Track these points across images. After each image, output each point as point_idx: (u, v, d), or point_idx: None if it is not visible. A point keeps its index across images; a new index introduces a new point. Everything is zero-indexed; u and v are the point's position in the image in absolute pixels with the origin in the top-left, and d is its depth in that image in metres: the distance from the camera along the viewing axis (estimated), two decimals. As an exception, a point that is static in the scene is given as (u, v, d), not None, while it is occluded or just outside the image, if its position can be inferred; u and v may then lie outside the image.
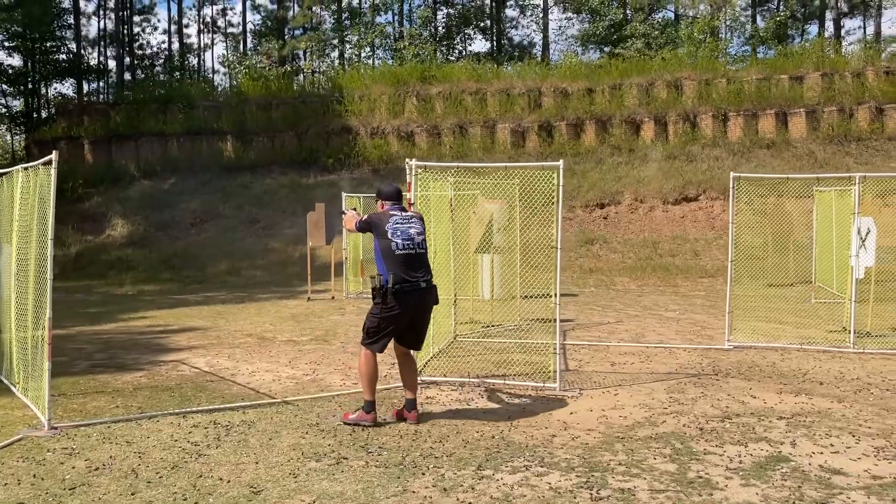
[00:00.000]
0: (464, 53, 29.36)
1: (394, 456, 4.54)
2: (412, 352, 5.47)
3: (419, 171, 6.55)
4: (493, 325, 9.76)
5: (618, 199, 21.58)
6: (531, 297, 13.30)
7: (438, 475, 4.18)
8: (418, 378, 5.74)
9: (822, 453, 4.60)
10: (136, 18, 31.33)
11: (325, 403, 5.84)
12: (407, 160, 6.56)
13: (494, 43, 30.84)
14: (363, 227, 5.39)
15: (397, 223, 5.28)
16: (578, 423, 5.26)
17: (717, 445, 4.74)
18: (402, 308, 5.15)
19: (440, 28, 28.75)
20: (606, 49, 28.68)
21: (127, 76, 30.43)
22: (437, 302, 5.44)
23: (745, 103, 23.31)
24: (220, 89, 27.86)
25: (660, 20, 27.94)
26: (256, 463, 4.41)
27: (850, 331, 8.19)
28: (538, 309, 11.42)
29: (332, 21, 27.93)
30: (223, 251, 19.33)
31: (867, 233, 8.94)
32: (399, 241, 5.20)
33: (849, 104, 22.59)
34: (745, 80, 23.95)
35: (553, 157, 23.59)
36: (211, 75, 32.00)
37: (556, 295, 6.30)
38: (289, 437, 4.94)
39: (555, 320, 6.38)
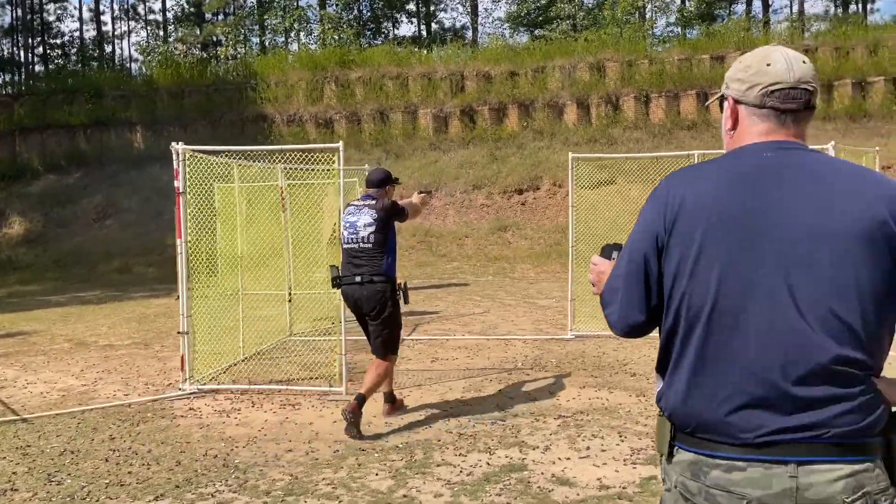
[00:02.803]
0: (391, 38, 28.66)
1: (73, 484, 3.97)
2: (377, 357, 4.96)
3: (188, 156, 5.94)
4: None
5: (536, 184, 21.17)
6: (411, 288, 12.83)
7: (105, 506, 3.63)
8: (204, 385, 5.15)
9: (569, 459, 4.14)
10: (51, 7, 30.00)
11: (67, 420, 5.24)
12: (173, 144, 5.95)
13: (423, 27, 30.16)
14: None
15: (349, 214, 5.01)
16: (332, 434, 4.75)
17: (461, 454, 4.26)
18: (349, 305, 5.03)
19: (365, 12, 28.02)
20: (534, 31, 28.21)
21: (40, 67, 29.15)
22: (380, 302, 4.85)
23: (668, 84, 23.04)
24: (136, 78, 26.76)
25: (587, 1, 27.55)
26: None
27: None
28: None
29: (251, 5, 26.99)
30: (121, 248, 18.50)
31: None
32: (345, 234, 4.99)
33: (768, 83, 22.45)
34: (668, 61, 23.67)
35: (475, 142, 23.11)
36: (129, 64, 30.87)
37: (339, 295, 5.74)
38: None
39: (342, 320, 5.85)
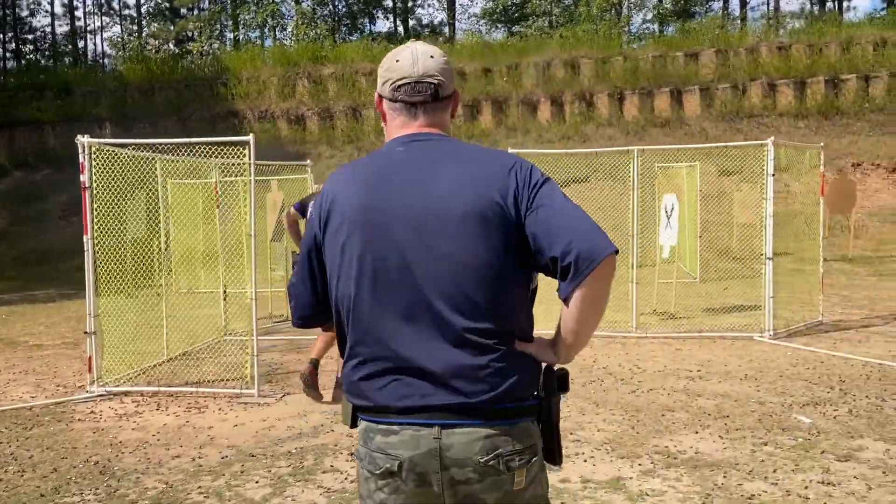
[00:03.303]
0: (368, 34, 28.44)
1: (-66, 493, 3.78)
2: None
3: (94, 150, 5.74)
4: (286, 318, 9.02)
5: (565, 177, 20.98)
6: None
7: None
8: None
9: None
10: (24, 2, 29.51)
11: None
12: (78, 137, 5.75)
13: (399, 23, 29.94)
14: None
15: None
16: (228, 438, 4.57)
17: (350, 459, 4.09)
18: None
19: (340, 7, 27.74)
20: (511, 27, 28.05)
21: (13, 63, 28.73)
22: None
23: (642, 81, 22.92)
24: (106, 74, 26.42)
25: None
26: None
27: (666, 313, 7.68)
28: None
29: (224, 0, 26.66)
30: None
31: (671, 209, 8.45)
32: None
33: (742, 81, 22.36)
34: (642, 59, 23.56)
35: (448, 139, 22.96)
36: (102, 60, 30.48)
37: (252, 292, 5.57)
38: None
39: (255, 321, 5.68)
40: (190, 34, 27.10)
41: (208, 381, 5.84)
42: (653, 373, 5.97)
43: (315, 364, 5.18)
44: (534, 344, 1.61)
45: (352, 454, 4.21)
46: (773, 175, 7.06)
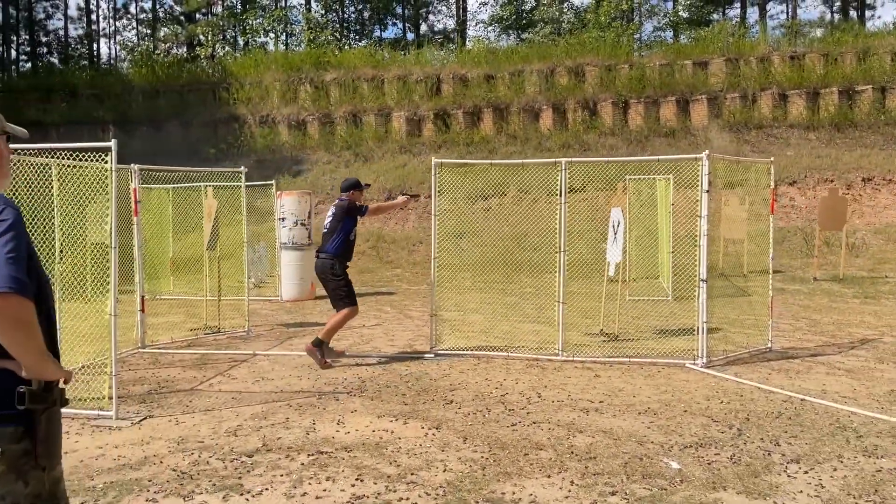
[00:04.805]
0: (374, 39, 28.26)
1: None
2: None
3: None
4: (219, 331, 8.76)
5: (503, 190, 20.56)
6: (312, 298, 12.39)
7: None
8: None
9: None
10: (41, 5, 30.04)
11: None
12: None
13: (411, 29, 29.72)
14: None
15: (329, 211, 6.98)
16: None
17: (154, 500, 3.77)
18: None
19: (350, 14, 27.64)
20: (521, 34, 27.65)
21: (28, 65, 29.23)
22: (329, 273, 6.73)
23: (648, 90, 22.33)
24: (111, 77, 26.67)
25: (574, 4, 26.86)
26: None
27: (605, 333, 7.22)
28: (292, 311, 10.49)
29: (230, 5, 26.73)
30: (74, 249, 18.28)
31: (618, 225, 7.99)
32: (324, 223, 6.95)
33: (752, 90, 21.63)
34: (649, 67, 22.97)
35: (447, 146, 22.61)
36: (116, 63, 30.75)
37: (112, 303, 5.29)
38: None
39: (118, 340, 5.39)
40: (199, 39, 27.27)
41: (79, 400, 5.56)
42: (550, 403, 5.54)
43: (318, 344, 6.75)
44: (9, 361, 1.94)
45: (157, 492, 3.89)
46: (708, 191, 6.56)
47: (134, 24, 31.46)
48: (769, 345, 7.43)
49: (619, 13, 25.02)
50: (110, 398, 5.23)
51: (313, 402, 5.62)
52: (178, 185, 10.51)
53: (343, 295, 6.76)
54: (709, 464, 4.22)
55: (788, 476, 4.03)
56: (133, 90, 24.07)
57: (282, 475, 4.09)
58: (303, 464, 4.28)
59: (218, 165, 22.37)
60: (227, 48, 26.44)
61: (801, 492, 3.81)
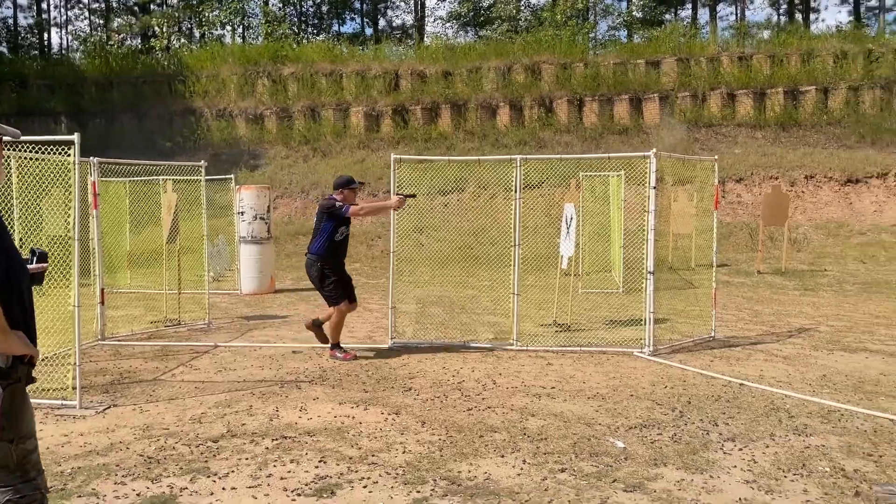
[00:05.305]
0: (333, 34, 28.19)
1: None
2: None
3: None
4: (180, 324, 8.80)
5: (461, 185, 20.82)
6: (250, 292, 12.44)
7: None
8: None
9: (234, 489, 3.78)
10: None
11: None
12: None
13: (369, 24, 29.73)
14: None
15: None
16: None
17: (122, 483, 3.89)
18: None
19: (308, 7, 27.52)
20: (478, 31, 27.90)
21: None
22: (312, 274, 6.74)
23: (602, 88, 22.82)
24: (63, 66, 26.06)
25: (531, 2, 27.23)
26: None
27: (558, 324, 7.50)
28: (251, 304, 10.57)
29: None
30: (28, 242, 17.91)
31: (570, 220, 8.28)
32: None
33: (702, 90, 22.28)
34: (603, 65, 23.46)
35: (406, 141, 22.74)
36: (67, 53, 30.04)
37: (76, 294, 5.35)
38: None
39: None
40: (154, 31, 26.83)
41: (43, 390, 5.60)
42: (505, 389, 5.79)
43: (318, 325, 6.98)
44: None
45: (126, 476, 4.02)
46: (655, 188, 6.89)
47: (86, 13, 30.79)
48: (713, 334, 7.81)
49: (575, 12, 25.48)
50: (74, 388, 5.29)
51: (276, 391, 5.77)
52: (136, 178, 10.47)
53: (328, 295, 6.78)
54: (652, 443, 4.51)
55: (724, 453, 4.34)
56: (86, 81, 23.61)
57: (247, 458, 4.25)
58: (267, 448, 4.44)
59: (173, 158, 22.15)
60: (182, 40, 26.09)
61: (735, 466, 4.12)
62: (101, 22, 29.94)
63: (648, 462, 4.18)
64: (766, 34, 27.65)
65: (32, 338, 2.48)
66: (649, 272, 7.02)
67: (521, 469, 4.08)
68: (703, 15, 28.72)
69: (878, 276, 13.23)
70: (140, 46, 26.07)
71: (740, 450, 4.39)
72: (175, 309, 9.03)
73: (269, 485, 3.87)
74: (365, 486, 3.85)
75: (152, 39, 25.99)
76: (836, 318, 9.15)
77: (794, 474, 4.00)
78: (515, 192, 7.27)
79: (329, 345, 6.93)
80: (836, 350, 7.27)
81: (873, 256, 15.36)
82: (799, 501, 3.63)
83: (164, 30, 25.64)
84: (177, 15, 25.89)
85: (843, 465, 4.12)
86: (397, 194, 6.92)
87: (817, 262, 14.91)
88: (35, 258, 2.65)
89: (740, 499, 3.67)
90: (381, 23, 30.18)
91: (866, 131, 20.33)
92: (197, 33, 27.13)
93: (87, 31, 29.99)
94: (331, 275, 6.73)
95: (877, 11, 34.10)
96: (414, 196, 7.11)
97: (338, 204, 6.70)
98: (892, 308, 9.99)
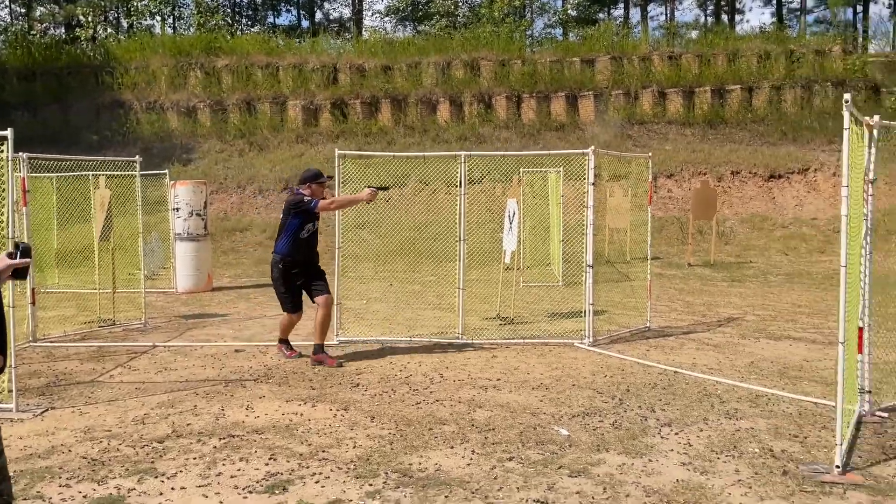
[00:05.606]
0: (268, 27, 27.73)
1: None
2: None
3: None
4: (114, 324, 8.57)
5: (403, 181, 20.83)
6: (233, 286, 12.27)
7: None
8: None
9: (183, 489, 3.75)
10: None
11: None
12: None
13: (305, 16, 29.36)
14: None
15: None
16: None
17: (68, 485, 3.81)
18: None
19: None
20: (417, 26, 27.92)
21: None
22: (274, 273, 6.51)
23: (539, 85, 23.17)
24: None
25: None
26: None
27: (502, 317, 7.62)
28: (189, 302, 10.40)
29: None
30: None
31: (513, 215, 8.44)
32: None
33: (634, 88, 22.88)
34: (540, 63, 23.83)
35: (346, 135, 22.59)
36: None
37: (10, 294, 5.17)
38: None
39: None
40: (79, 20, 25.83)
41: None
42: (452, 382, 5.89)
43: (282, 341, 6.85)
44: None
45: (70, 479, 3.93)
46: (594, 184, 7.10)
47: (6, 2, 29.27)
48: (648, 324, 8.11)
49: (512, 9, 25.78)
50: (10, 391, 5.12)
51: (220, 390, 5.71)
52: (64, 173, 10.12)
53: (280, 300, 6.59)
54: (594, 430, 4.69)
55: (662, 437, 4.55)
56: (7, 72, 22.55)
57: (195, 458, 4.22)
58: (215, 447, 4.41)
59: (101, 153, 21.39)
60: (109, 30, 25.18)
61: (672, 450, 4.32)
62: (23, 11, 28.60)
63: (591, 448, 4.35)
64: (694, 34, 28.58)
65: (3, 345, 2.44)
66: (589, 265, 7.24)
67: (471, 459, 4.18)
68: (635, 15, 29.54)
69: (800, 268, 13.94)
70: (65, 36, 25.03)
71: (676, 434, 4.60)
72: (108, 309, 8.79)
73: (219, 483, 3.86)
74: (317, 482, 3.88)
75: (77, 29, 25.01)
76: (762, 308, 9.62)
77: (727, 456, 4.23)
78: (460, 187, 7.37)
79: (313, 349, 6.63)
80: (762, 338, 7.66)
81: (795, 248, 16.15)
82: (731, 481, 3.85)
83: (90, 19, 24.71)
84: (103, 4, 24.97)
85: (772, 446, 4.38)
86: (369, 186, 6.45)
87: (743, 254, 15.59)
88: (19, 253, 2.51)
89: (677, 480, 3.86)
90: (318, 15, 29.85)
91: (788, 129, 21.29)
92: (125, 23, 26.25)
93: (8, 20, 28.63)
94: (285, 276, 6.42)
95: (798, 13, 35.71)
96: (387, 188, 6.87)
97: (306, 198, 6.32)
98: (813, 297, 10.56)
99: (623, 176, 14.59)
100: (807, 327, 8.27)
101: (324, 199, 6.43)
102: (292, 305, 6.58)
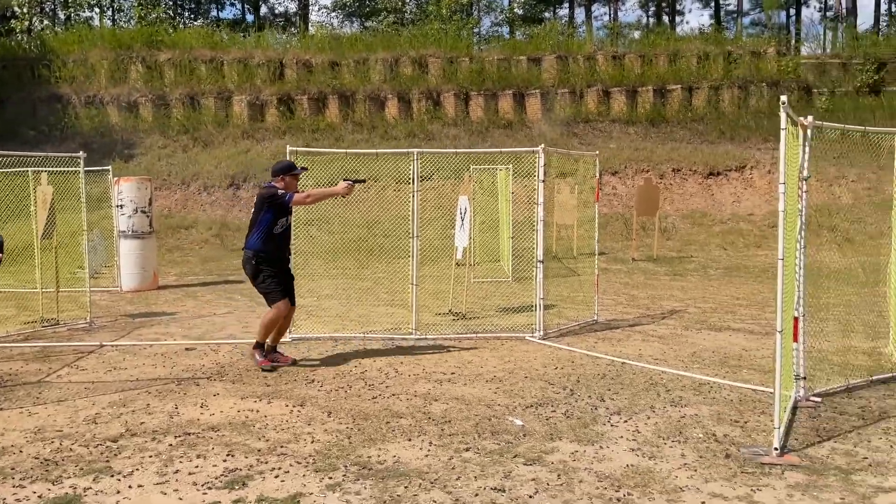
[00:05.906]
0: (212, 20, 27.23)
1: None
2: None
3: None
4: (58, 323, 8.35)
5: (353, 177, 20.73)
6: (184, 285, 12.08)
7: None
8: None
9: (140, 487, 3.72)
10: None
11: None
12: None
13: (250, 10, 28.92)
14: None
15: None
16: None
17: (22, 486, 3.74)
18: None
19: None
20: (364, 22, 27.79)
21: None
22: (245, 265, 6.19)
23: (487, 83, 23.38)
24: None
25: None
26: None
27: (454, 312, 7.71)
28: (134, 301, 10.22)
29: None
30: None
31: (464, 212, 8.55)
32: None
33: (580, 87, 23.30)
34: (488, 61, 24.04)
35: (293, 132, 22.34)
36: None
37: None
38: None
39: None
40: (13, 11, 24.87)
41: None
42: (407, 376, 5.97)
43: (257, 346, 6.27)
44: None
45: (21, 483, 3.86)
46: (544, 181, 7.27)
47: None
48: (595, 318, 8.35)
49: (459, 7, 25.92)
50: (-50, 394, 4.97)
51: (173, 389, 5.66)
52: (3, 169, 9.78)
53: (265, 292, 6.16)
54: (547, 419, 4.83)
55: (612, 425, 4.72)
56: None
57: (151, 456, 4.19)
58: (171, 444, 4.38)
59: (39, 148, 20.70)
60: (46, 22, 24.30)
61: (622, 437, 4.50)
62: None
63: (545, 437, 4.49)
64: (636, 35, 29.24)
65: None
66: (539, 261, 7.41)
67: (429, 451, 4.27)
68: (580, 14, 30.09)
69: (738, 262, 14.49)
70: (-3, 27, 24.05)
71: (625, 422, 4.79)
72: (51, 308, 8.55)
73: (177, 480, 3.85)
74: (277, 476, 3.91)
75: (12, 21, 24.08)
76: (703, 301, 9.99)
77: (673, 441, 4.43)
78: (413, 184, 7.44)
79: (255, 344, 6.31)
80: (703, 329, 7.97)
81: (733, 243, 16.76)
82: (678, 465, 4.04)
83: (26, 11, 23.82)
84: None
85: (715, 431, 4.60)
86: (345, 179, 6.23)
87: (684, 249, 16.10)
88: None
89: (627, 465, 4.03)
90: (263, 10, 29.41)
91: (726, 128, 22.03)
92: (62, 15, 25.39)
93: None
94: (265, 272, 6.07)
95: (735, 15, 36.92)
96: (363, 181, 6.65)
97: (279, 192, 6.06)
98: (750, 290, 11.01)
99: (570, 173, 14.90)
100: (745, 318, 8.64)
101: (298, 192, 6.19)
102: (282, 290, 6.15)
